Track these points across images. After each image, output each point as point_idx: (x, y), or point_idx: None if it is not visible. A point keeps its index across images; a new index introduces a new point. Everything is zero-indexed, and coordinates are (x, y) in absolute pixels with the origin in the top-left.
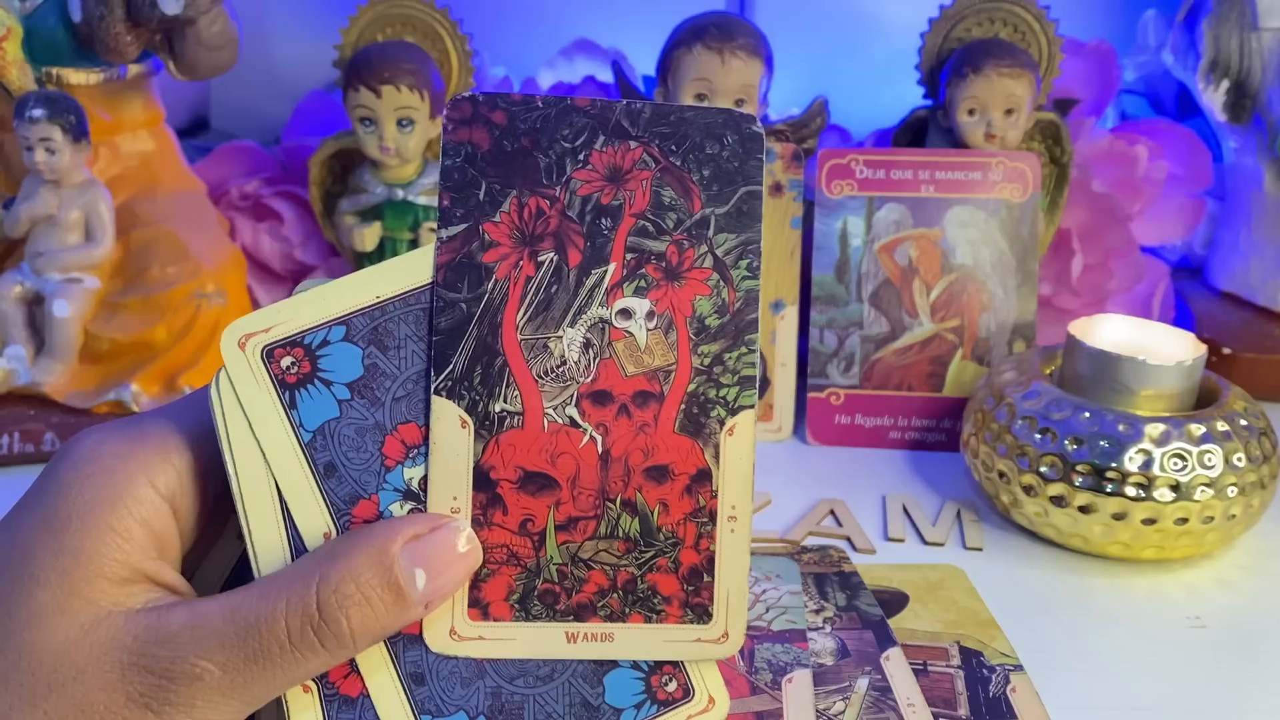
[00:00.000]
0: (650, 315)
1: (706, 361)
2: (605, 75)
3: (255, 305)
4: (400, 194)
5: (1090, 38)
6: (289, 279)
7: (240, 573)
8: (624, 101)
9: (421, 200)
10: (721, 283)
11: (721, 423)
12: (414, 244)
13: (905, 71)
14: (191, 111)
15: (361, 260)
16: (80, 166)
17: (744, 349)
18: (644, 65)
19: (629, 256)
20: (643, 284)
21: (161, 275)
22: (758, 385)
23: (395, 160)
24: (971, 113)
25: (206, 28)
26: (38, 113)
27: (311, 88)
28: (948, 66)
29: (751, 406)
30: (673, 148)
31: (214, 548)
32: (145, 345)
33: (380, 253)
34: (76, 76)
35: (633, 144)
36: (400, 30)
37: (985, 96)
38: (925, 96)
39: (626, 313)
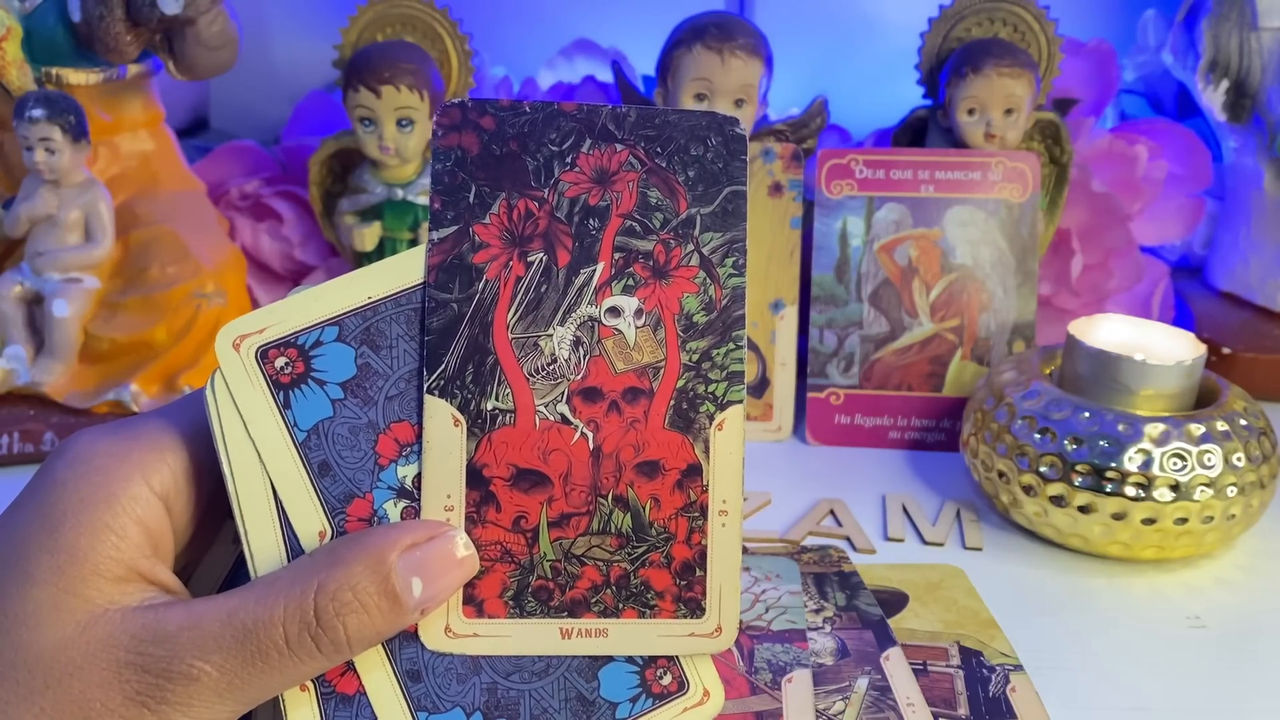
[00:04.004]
0: (639, 313)
1: (695, 358)
2: (605, 75)
3: (255, 305)
4: (400, 194)
5: (1090, 37)
6: (289, 279)
7: (236, 577)
8: (609, 106)
9: (421, 200)
10: (708, 280)
11: (711, 418)
12: (414, 244)
13: (905, 71)
14: (191, 111)
15: (361, 260)
16: (80, 166)
17: (732, 345)
18: (644, 65)
19: (617, 256)
20: (631, 282)
21: (161, 275)
22: (746, 381)
23: (395, 160)
24: (971, 112)
25: (206, 28)
26: (37, 113)
27: (311, 88)
28: (947, 66)
29: (740, 401)
30: (658, 150)
31: (210, 551)
32: (145, 345)
33: (380, 252)
34: (76, 76)
35: (619, 147)
36: (400, 30)
37: (985, 96)
38: (925, 96)
39: (615, 311)
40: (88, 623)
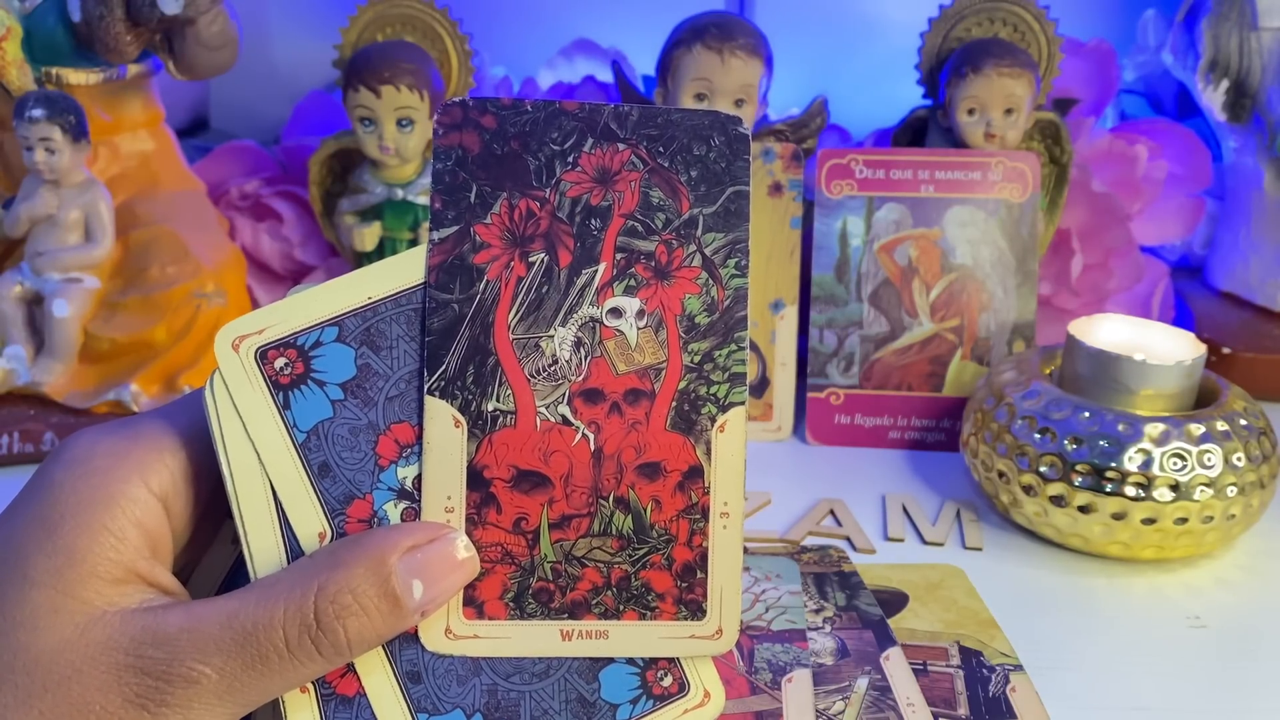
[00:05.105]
0: (640, 314)
1: (697, 359)
2: (605, 75)
3: (255, 305)
4: (400, 194)
5: (1090, 37)
6: (289, 279)
7: (235, 577)
8: (612, 105)
9: (421, 200)
10: (710, 281)
11: (713, 420)
12: (414, 244)
13: (905, 71)
14: (191, 111)
15: (361, 260)
16: (80, 166)
17: (734, 346)
18: (644, 65)
19: (619, 256)
20: (632, 283)
21: (161, 275)
22: (749, 382)
23: (395, 160)
24: (971, 112)
25: (206, 28)
26: (37, 113)
27: (311, 88)
28: (947, 66)
29: (742, 403)
30: (660, 149)
31: (209, 551)
32: (145, 345)
33: (380, 252)
34: (76, 76)
35: (621, 146)
36: (400, 30)
37: (985, 96)
38: (925, 96)
39: (617, 311)
40: (86, 625)
